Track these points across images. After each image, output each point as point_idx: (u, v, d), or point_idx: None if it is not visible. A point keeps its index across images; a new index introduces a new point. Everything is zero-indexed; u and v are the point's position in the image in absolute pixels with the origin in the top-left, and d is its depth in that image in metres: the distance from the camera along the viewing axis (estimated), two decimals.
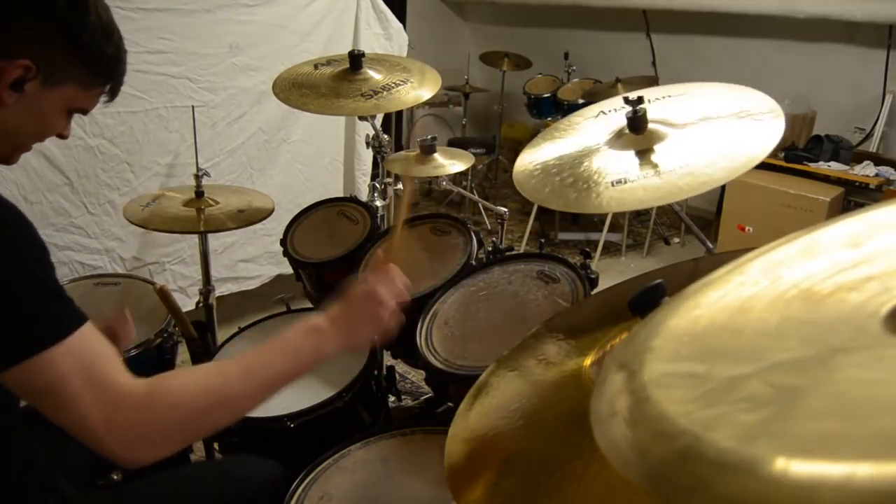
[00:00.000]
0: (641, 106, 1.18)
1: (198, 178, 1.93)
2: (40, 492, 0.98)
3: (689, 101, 1.27)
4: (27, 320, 0.78)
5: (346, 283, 1.07)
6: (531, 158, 1.33)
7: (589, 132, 1.30)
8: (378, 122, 2.12)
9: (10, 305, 0.77)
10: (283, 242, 2.02)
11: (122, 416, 0.81)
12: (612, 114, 1.31)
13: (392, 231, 1.15)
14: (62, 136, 1.01)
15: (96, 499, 1.14)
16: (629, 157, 1.16)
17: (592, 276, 1.45)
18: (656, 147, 1.16)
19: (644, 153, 1.16)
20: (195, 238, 2.24)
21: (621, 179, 1.11)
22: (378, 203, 2.04)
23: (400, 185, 2.23)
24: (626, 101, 1.19)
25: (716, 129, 1.16)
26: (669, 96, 1.29)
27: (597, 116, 1.34)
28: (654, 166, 1.12)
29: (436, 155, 2.03)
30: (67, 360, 0.78)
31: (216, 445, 1.62)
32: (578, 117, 1.38)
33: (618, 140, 1.21)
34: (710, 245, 1.41)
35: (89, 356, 0.81)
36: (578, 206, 1.11)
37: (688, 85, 1.33)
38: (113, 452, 0.81)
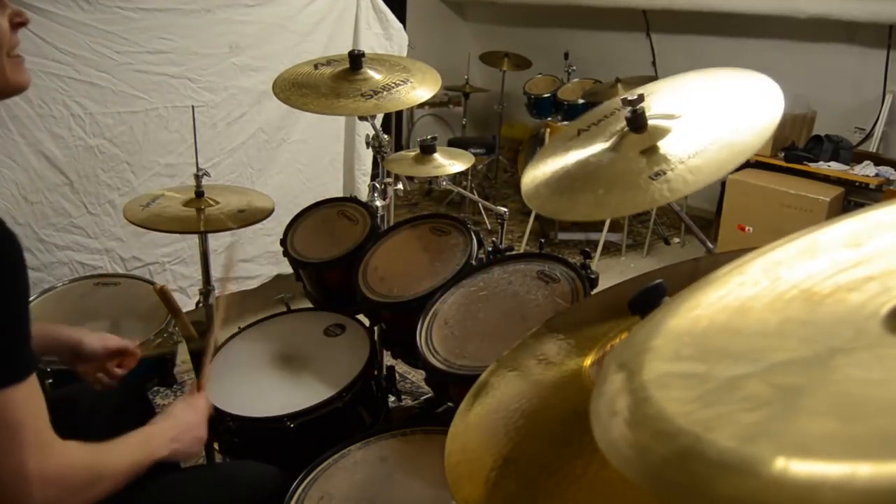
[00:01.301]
0: (641, 105, 1.18)
1: (198, 178, 1.92)
2: None
3: (681, 92, 1.27)
4: (3, 354, 0.78)
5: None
6: (539, 178, 1.32)
7: (584, 146, 1.29)
8: (378, 122, 2.12)
9: None
10: (283, 242, 2.02)
11: (55, 471, 0.83)
12: (592, 128, 1.32)
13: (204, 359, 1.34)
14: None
15: None
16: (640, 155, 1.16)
17: (592, 276, 1.45)
18: (660, 143, 1.16)
19: (649, 150, 1.15)
20: (195, 238, 2.24)
21: (658, 172, 1.10)
22: (378, 203, 2.04)
23: (400, 185, 2.23)
24: (625, 101, 1.19)
25: (716, 108, 1.16)
26: (650, 94, 1.28)
27: (578, 135, 1.34)
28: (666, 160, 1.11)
29: (436, 155, 2.03)
30: (25, 402, 0.79)
31: (216, 445, 1.62)
32: (557, 142, 1.38)
33: (621, 143, 1.21)
34: (710, 245, 1.40)
35: (39, 404, 0.82)
36: (628, 208, 1.11)
37: (673, 78, 1.33)
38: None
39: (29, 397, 0.80)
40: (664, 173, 1.08)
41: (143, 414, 1.31)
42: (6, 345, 0.79)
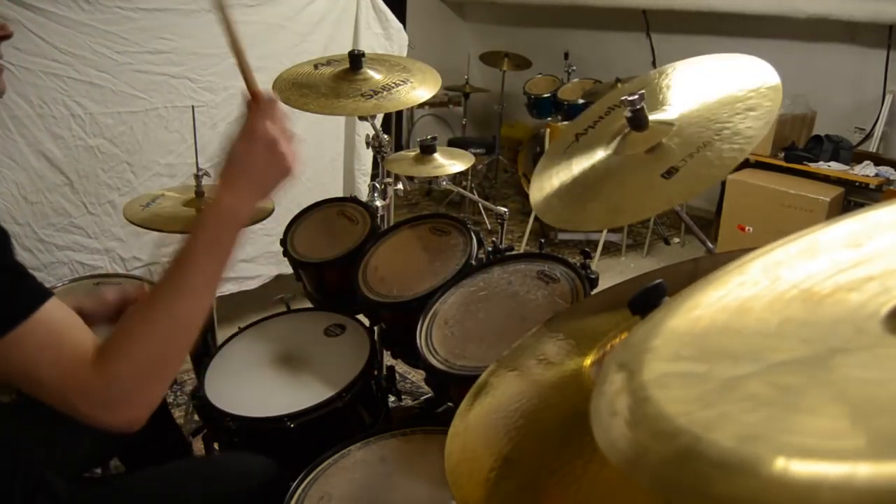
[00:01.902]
0: (641, 105, 1.17)
1: (198, 178, 1.93)
2: (28, 490, 0.98)
3: (680, 81, 1.26)
4: None
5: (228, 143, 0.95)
6: (548, 189, 1.29)
7: (587, 151, 1.28)
8: (378, 122, 2.12)
9: None
10: (283, 242, 2.02)
11: (93, 384, 0.80)
12: (590, 132, 1.31)
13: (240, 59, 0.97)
14: None
15: (89, 494, 1.13)
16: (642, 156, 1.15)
17: (592, 276, 1.45)
18: (664, 140, 1.15)
19: (655, 148, 1.14)
20: None
21: (669, 170, 1.07)
22: (378, 203, 2.04)
23: (400, 185, 2.23)
24: (624, 101, 1.19)
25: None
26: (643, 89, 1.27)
27: (577, 140, 1.33)
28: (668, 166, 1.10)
29: (436, 155, 2.03)
30: (35, 337, 0.78)
31: (216, 445, 1.62)
32: (557, 148, 1.36)
33: (624, 144, 1.21)
34: (710, 245, 1.40)
35: (56, 332, 0.81)
36: (644, 212, 1.07)
37: (663, 72, 1.32)
38: (101, 420, 0.81)
39: (34, 332, 0.78)
40: (676, 170, 1.07)
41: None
42: None
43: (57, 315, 0.82)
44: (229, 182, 0.93)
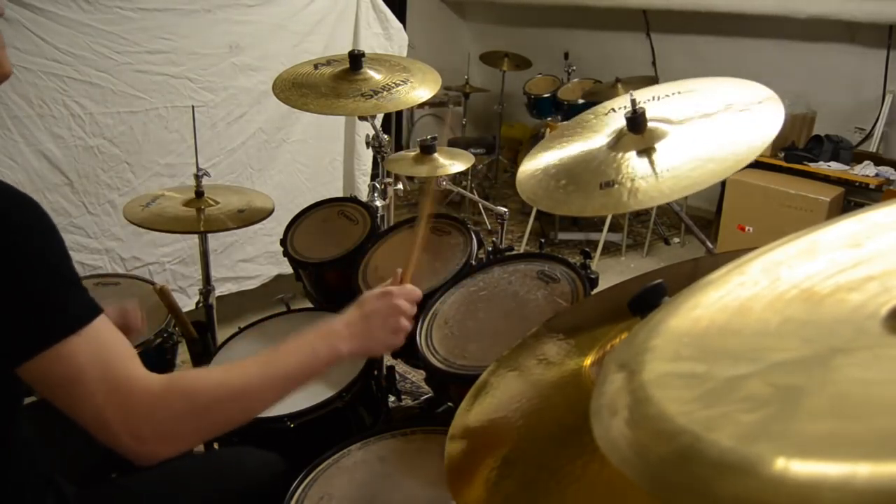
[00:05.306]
0: (641, 106, 1.18)
1: (198, 178, 1.93)
2: (39, 489, 0.98)
3: (691, 97, 1.27)
4: (45, 310, 0.77)
5: (364, 292, 1.11)
6: (537, 161, 1.33)
7: (596, 132, 1.30)
8: (378, 122, 2.12)
9: (27, 295, 0.76)
10: (282, 242, 2.02)
11: (137, 408, 0.81)
12: (622, 110, 1.31)
13: (411, 250, 1.23)
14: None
15: (95, 492, 1.13)
16: (626, 158, 1.16)
17: (592, 276, 1.45)
18: (657, 146, 1.15)
19: (645, 153, 1.15)
20: (195, 238, 2.24)
21: (609, 182, 1.10)
22: (378, 203, 2.04)
23: (400, 185, 2.24)
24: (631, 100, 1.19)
25: (715, 124, 1.16)
26: (679, 93, 1.28)
27: (607, 113, 1.34)
28: (652, 167, 1.11)
29: (436, 155, 2.03)
30: (84, 351, 0.78)
31: (216, 445, 1.62)
32: (590, 115, 1.37)
33: (618, 141, 1.21)
34: (710, 245, 1.40)
35: (105, 348, 0.81)
36: (567, 209, 1.12)
37: (694, 80, 1.32)
38: (127, 446, 0.81)
39: (86, 345, 0.78)
40: (611, 185, 1.09)
41: None
42: (45, 301, 0.77)
43: (107, 332, 0.82)
44: (349, 317, 1.07)
